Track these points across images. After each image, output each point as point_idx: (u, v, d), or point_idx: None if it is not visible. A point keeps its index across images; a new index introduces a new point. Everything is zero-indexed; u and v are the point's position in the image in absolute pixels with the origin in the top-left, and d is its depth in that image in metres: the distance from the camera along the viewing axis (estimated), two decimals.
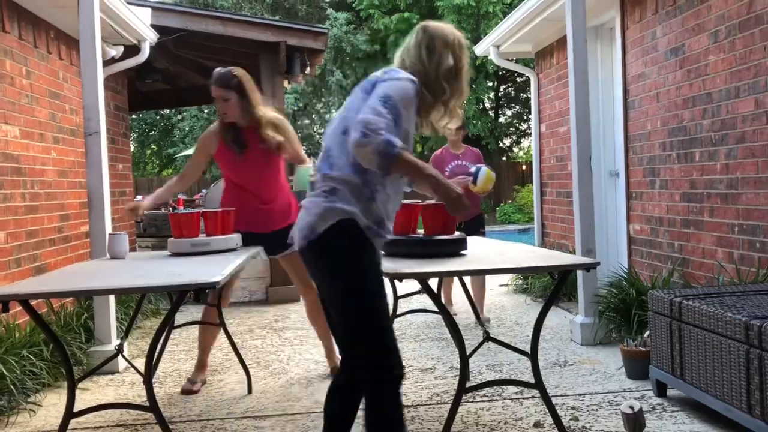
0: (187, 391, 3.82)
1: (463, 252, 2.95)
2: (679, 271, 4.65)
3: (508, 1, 16.97)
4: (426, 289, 2.73)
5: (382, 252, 2.69)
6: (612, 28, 5.77)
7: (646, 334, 3.68)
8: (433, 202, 2.96)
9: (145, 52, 6.02)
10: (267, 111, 3.76)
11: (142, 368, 2.80)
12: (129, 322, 3.53)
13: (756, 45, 3.83)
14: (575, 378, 3.79)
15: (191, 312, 6.06)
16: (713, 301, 2.97)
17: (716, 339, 2.81)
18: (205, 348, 3.98)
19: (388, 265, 2.67)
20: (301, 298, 4.10)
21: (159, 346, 3.69)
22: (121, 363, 4.29)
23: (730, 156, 4.09)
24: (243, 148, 3.72)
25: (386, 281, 2.34)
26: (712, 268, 4.30)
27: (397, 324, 5.00)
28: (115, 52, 5.90)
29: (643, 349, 3.64)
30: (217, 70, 3.72)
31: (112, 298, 4.50)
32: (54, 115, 5.34)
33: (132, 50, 6.00)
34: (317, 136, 20.66)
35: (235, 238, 3.52)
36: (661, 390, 3.36)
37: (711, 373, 2.85)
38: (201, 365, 3.98)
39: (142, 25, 5.76)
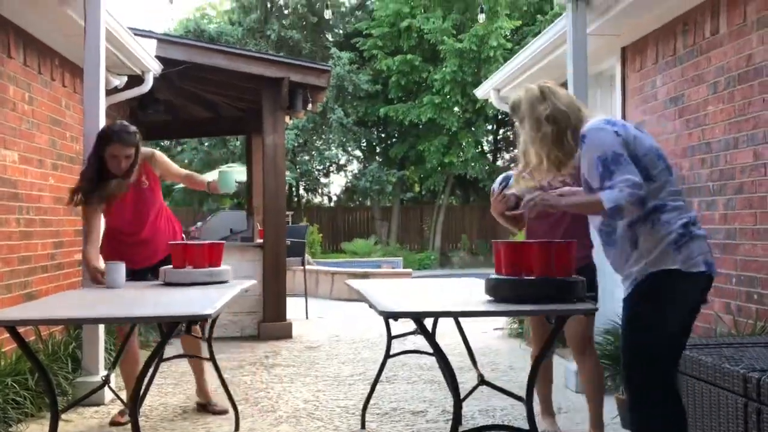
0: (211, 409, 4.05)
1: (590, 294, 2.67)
2: None
3: (509, 47, 17.23)
4: (421, 329, 2.69)
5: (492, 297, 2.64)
6: (612, 75, 5.83)
7: None
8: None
9: (149, 83, 6.06)
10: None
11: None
12: (117, 353, 3.47)
13: (755, 97, 3.87)
14: (570, 426, 3.72)
15: (180, 345, 5.98)
16: (711, 352, 2.93)
17: (714, 391, 2.76)
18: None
19: (385, 303, 2.63)
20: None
21: (147, 379, 3.62)
22: (107, 394, 4.21)
23: (729, 206, 4.09)
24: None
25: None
26: (710, 319, 4.26)
27: (390, 365, 4.93)
28: (119, 81, 5.93)
29: None
30: (117, 127, 3.70)
31: (101, 327, 4.44)
32: (54, 142, 5.34)
33: (135, 80, 6.04)
34: (316, 172, 20.73)
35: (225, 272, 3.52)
36: None
37: (708, 426, 2.80)
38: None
39: (147, 56, 5.80)
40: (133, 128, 3.68)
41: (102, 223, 3.84)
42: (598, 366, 3.41)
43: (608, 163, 2.34)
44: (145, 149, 3.81)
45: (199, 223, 13.12)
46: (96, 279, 3.57)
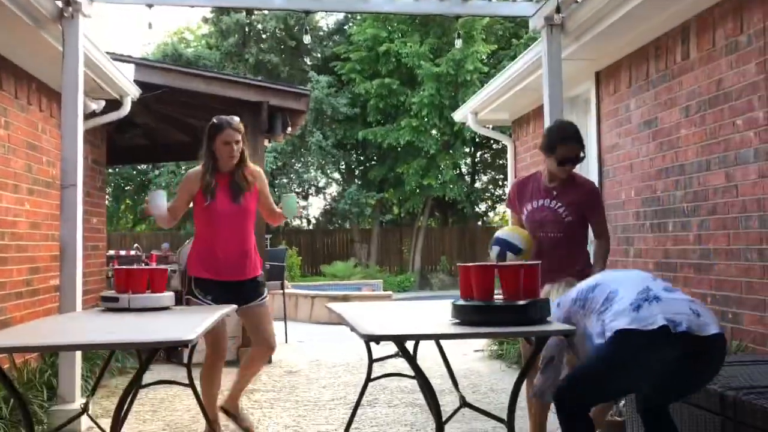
0: None
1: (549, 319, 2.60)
2: None
3: (486, 71, 17.45)
4: (403, 351, 2.69)
5: (457, 320, 2.62)
6: (587, 99, 5.94)
7: (622, 403, 3.65)
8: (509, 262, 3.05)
9: (127, 107, 6.05)
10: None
11: (107, 428, 2.70)
12: (96, 380, 3.42)
13: (725, 120, 3.96)
14: None
15: (159, 371, 5.90)
16: None
17: (692, 410, 2.79)
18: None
19: (366, 327, 2.64)
20: (248, 352, 4.11)
21: (125, 406, 3.56)
22: (84, 423, 4.13)
23: (702, 227, 4.17)
24: (213, 197, 3.82)
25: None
26: None
27: (371, 389, 4.90)
28: (96, 105, 5.91)
29: (619, 419, 3.60)
30: (227, 117, 3.89)
31: (78, 354, 4.37)
32: (30, 167, 5.30)
33: (113, 104, 6.02)
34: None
35: (166, 298, 3.43)
36: None
37: None
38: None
39: (125, 80, 5.80)
40: (238, 119, 3.90)
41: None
42: None
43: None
44: (259, 169, 4.00)
45: (165, 244, 12.98)
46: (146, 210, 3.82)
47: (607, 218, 5.25)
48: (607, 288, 2.54)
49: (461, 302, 2.64)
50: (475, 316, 2.55)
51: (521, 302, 2.52)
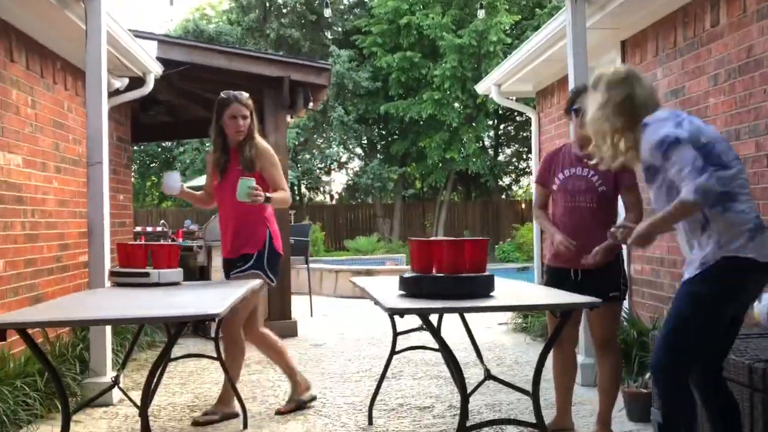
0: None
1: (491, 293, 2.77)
2: None
3: (509, 42, 17.22)
4: (427, 325, 2.70)
5: (403, 292, 2.84)
6: None
7: (648, 375, 3.64)
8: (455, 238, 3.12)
9: (150, 85, 6.08)
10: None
11: (137, 400, 2.76)
12: (126, 354, 3.50)
13: (756, 88, 3.87)
14: (576, 419, 3.73)
15: (187, 344, 6.01)
16: None
17: None
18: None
19: (391, 300, 2.65)
20: (242, 338, 3.94)
21: (155, 379, 3.64)
22: (115, 395, 4.23)
23: None
24: (223, 173, 3.86)
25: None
26: None
27: (395, 361, 4.95)
28: (120, 83, 5.95)
29: (645, 390, 3.59)
30: (235, 92, 3.92)
31: (108, 328, 4.46)
32: (57, 145, 5.36)
33: (137, 82, 6.06)
34: (317, 170, 20.75)
35: (176, 273, 3.59)
36: None
37: None
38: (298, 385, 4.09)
39: (147, 57, 5.82)
40: (245, 94, 3.94)
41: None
42: (618, 363, 3.41)
43: (667, 145, 2.37)
44: (266, 145, 3.96)
45: (187, 222, 13.10)
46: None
47: None
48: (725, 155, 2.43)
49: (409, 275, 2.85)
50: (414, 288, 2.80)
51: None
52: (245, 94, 3.90)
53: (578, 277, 3.27)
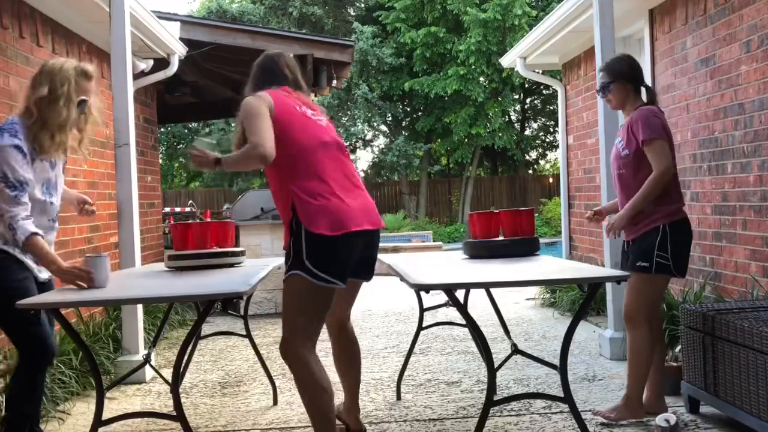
0: None
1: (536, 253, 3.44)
2: (711, 285, 4.55)
3: (534, 14, 16.94)
4: (453, 300, 2.70)
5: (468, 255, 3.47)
6: (641, 38, 5.71)
7: (678, 349, 3.60)
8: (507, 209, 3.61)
9: (174, 66, 6.11)
10: None
11: (169, 377, 2.81)
12: (157, 332, 3.55)
13: None
14: (604, 393, 3.72)
15: (217, 323, 6.09)
16: (747, 316, 2.90)
17: (751, 354, 2.74)
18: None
19: (416, 276, 2.65)
20: (332, 329, 3.29)
21: (185, 356, 3.71)
22: (148, 373, 4.32)
23: (764, 168, 4.01)
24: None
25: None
26: (745, 282, 4.21)
27: (423, 337, 4.97)
28: (145, 65, 5.99)
29: (675, 364, 3.56)
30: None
31: (140, 308, 4.54)
32: None
33: (161, 63, 6.09)
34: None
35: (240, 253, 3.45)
36: (693, 406, 3.29)
37: (746, 389, 2.78)
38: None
39: (171, 38, 5.84)
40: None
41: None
42: (638, 340, 3.14)
43: None
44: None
45: (226, 205, 13.25)
46: None
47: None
48: None
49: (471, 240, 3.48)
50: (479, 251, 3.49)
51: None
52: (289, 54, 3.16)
53: (627, 246, 3.27)
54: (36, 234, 2.64)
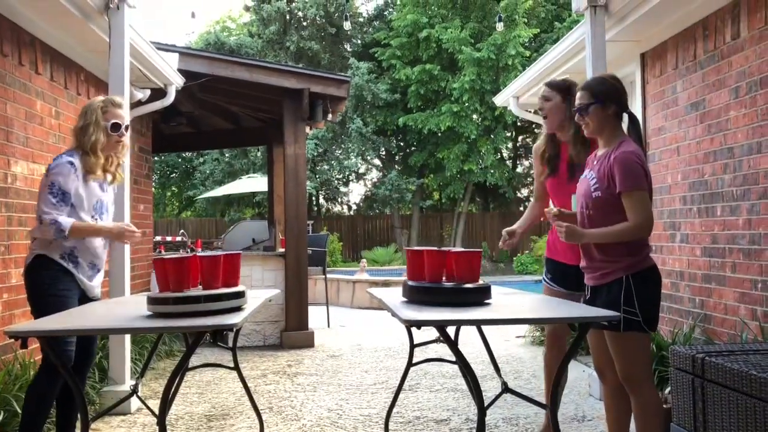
0: None
1: (487, 301, 2.79)
2: (701, 327, 4.56)
3: (528, 55, 17.20)
4: (444, 337, 2.69)
5: (405, 299, 2.76)
6: (632, 81, 5.81)
7: (667, 390, 3.60)
8: (460, 249, 2.92)
9: (171, 96, 6.15)
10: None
11: (155, 409, 2.78)
12: (145, 362, 3.52)
13: None
14: None
15: (205, 354, 6.04)
16: (737, 359, 2.91)
17: (741, 398, 2.74)
18: None
19: (407, 312, 2.65)
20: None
21: (173, 388, 3.66)
22: (133, 404, 4.26)
23: (753, 211, 4.06)
24: (555, 169, 3.44)
25: None
26: (735, 325, 4.22)
27: (412, 373, 4.94)
28: (142, 95, 6.03)
29: (664, 406, 3.55)
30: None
31: (127, 337, 4.50)
32: None
33: (158, 93, 6.13)
34: (335, 181, 20.83)
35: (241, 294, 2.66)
36: None
37: None
38: None
39: (169, 69, 5.89)
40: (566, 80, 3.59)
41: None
42: (645, 406, 2.77)
43: None
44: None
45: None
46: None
47: (653, 202, 4.32)
48: None
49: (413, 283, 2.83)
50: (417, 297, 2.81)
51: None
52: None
53: (589, 292, 2.95)
54: (75, 221, 3.05)
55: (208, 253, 3.22)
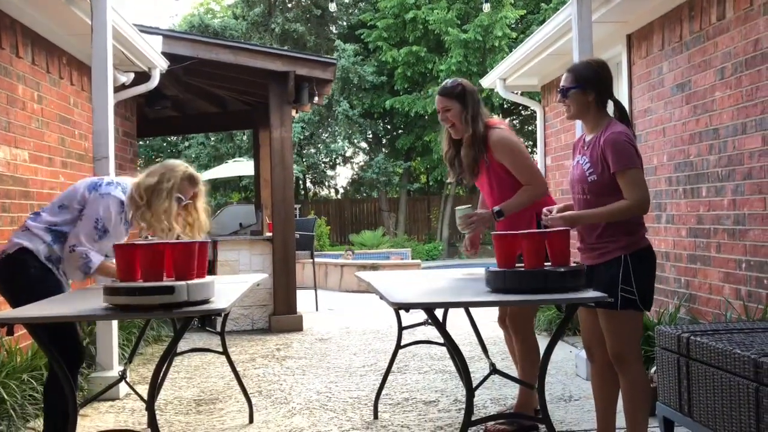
0: None
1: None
2: (686, 307, 4.61)
3: (514, 36, 17.16)
4: (432, 319, 2.71)
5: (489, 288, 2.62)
6: (618, 63, 5.82)
7: (653, 370, 3.64)
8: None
9: (156, 79, 6.09)
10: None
11: (144, 394, 2.77)
12: (133, 348, 3.51)
13: (763, 82, 3.86)
14: (580, 413, 3.74)
15: (193, 339, 6.03)
16: (722, 338, 2.94)
17: (725, 376, 2.77)
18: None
19: (399, 296, 2.66)
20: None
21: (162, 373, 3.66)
22: (122, 389, 4.25)
23: (737, 192, 4.09)
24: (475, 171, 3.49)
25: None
26: (719, 305, 4.27)
27: (401, 355, 4.96)
28: (126, 78, 5.96)
29: (651, 385, 3.59)
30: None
31: (115, 323, 4.48)
32: (63, 140, 5.38)
33: (142, 77, 6.07)
34: (322, 165, 20.78)
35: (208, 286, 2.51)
36: (668, 427, 3.32)
37: (719, 411, 2.81)
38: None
39: (153, 52, 5.82)
40: (454, 82, 3.47)
41: None
42: (633, 384, 2.80)
43: None
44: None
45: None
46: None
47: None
48: None
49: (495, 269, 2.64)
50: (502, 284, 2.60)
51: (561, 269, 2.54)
52: (450, 83, 3.46)
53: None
54: (103, 261, 3.05)
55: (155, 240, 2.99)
